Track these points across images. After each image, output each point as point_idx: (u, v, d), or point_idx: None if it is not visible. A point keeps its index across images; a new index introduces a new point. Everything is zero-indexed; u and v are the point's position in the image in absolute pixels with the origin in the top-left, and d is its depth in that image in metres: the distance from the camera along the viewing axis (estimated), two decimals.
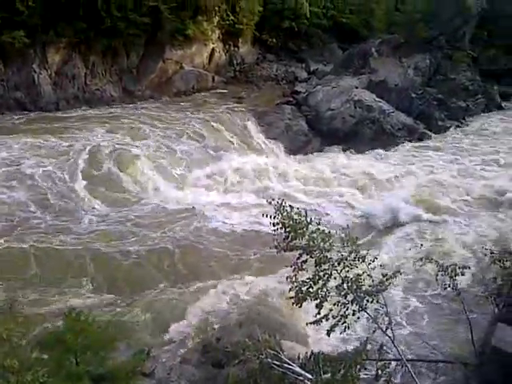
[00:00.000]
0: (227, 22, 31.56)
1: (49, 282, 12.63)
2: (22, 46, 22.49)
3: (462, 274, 8.60)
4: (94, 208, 16.27)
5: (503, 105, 32.68)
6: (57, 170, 17.45)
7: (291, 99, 27.95)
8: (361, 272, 7.60)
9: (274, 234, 7.49)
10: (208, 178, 19.60)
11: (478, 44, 34.17)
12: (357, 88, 27.76)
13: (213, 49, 31.76)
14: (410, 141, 25.47)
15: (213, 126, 23.16)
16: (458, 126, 28.15)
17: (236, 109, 26.01)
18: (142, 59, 27.82)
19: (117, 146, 19.43)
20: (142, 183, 18.11)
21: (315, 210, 17.23)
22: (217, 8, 29.92)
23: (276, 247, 7.70)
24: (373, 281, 7.65)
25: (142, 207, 16.80)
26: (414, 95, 28.27)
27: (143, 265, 13.95)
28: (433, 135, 26.57)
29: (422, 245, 13.55)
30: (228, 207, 17.63)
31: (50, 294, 12.17)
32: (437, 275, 8.86)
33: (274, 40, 36.51)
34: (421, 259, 9.41)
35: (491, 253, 10.21)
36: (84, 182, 17.21)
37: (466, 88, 31.05)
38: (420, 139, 25.96)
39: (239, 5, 31.57)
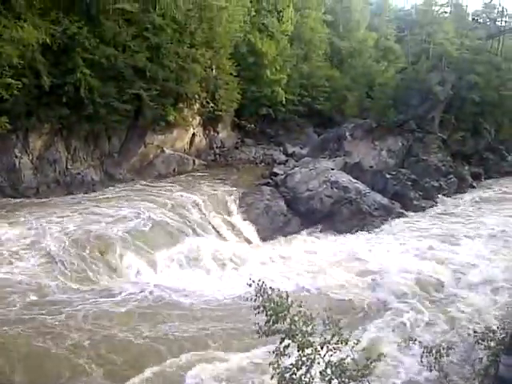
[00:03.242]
0: (207, 109, 32.79)
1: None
2: (4, 132, 22.50)
3: (447, 355, 8.51)
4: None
5: (474, 184, 33.88)
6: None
7: (270, 181, 28.57)
8: (344, 356, 7.45)
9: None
10: (181, 261, 19.25)
11: (446, 127, 35.92)
12: (333, 170, 28.62)
13: (193, 133, 32.75)
14: (387, 220, 25.83)
15: (190, 206, 23.30)
16: (431, 206, 28.78)
17: (216, 190, 26.35)
18: (123, 143, 28.35)
19: (93, 229, 19.31)
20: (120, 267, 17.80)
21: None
22: (197, 96, 31.17)
23: (257, 332, 7.56)
24: (357, 365, 7.48)
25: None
26: (388, 176, 29.16)
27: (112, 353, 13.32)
28: (409, 214, 27.04)
29: (405, 324, 13.38)
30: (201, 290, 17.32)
31: None
32: (422, 356, 8.74)
33: (253, 125, 38.10)
34: (404, 340, 9.29)
35: (474, 332, 10.15)
36: None
37: (438, 168, 32.21)
38: (397, 218, 26.34)
39: (218, 93, 33.02)
